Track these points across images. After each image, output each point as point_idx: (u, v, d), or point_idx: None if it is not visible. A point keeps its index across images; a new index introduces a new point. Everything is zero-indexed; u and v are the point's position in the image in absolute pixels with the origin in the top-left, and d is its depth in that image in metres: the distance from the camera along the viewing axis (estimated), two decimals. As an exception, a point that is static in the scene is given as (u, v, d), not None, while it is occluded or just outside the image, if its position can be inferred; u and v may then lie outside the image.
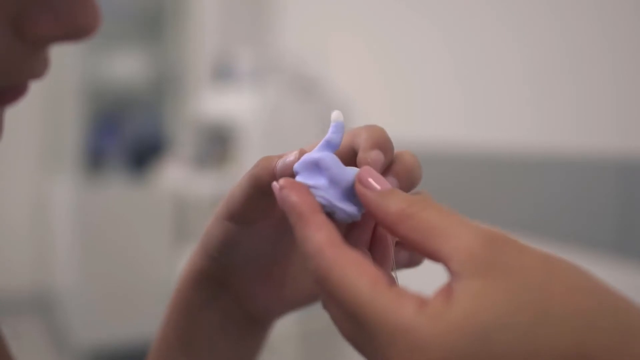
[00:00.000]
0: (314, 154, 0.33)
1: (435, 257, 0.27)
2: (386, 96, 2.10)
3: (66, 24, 0.26)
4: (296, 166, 0.33)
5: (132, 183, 3.21)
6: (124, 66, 3.83)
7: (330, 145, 0.34)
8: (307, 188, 0.32)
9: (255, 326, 0.43)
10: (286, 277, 0.41)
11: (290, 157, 0.34)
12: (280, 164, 0.34)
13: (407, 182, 0.35)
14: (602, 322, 0.24)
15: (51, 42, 0.27)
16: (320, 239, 0.28)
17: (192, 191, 2.76)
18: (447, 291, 0.26)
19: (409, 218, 0.28)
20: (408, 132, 1.91)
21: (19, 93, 0.28)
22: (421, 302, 0.26)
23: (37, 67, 0.28)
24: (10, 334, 0.40)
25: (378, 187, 0.31)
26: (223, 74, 2.82)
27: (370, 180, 0.31)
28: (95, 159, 3.47)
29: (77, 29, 0.26)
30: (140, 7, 3.84)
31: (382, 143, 0.34)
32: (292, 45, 2.71)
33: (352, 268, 0.27)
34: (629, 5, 1.26)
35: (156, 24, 3.81)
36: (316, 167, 0.33)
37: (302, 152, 0.34)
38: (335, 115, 0.35)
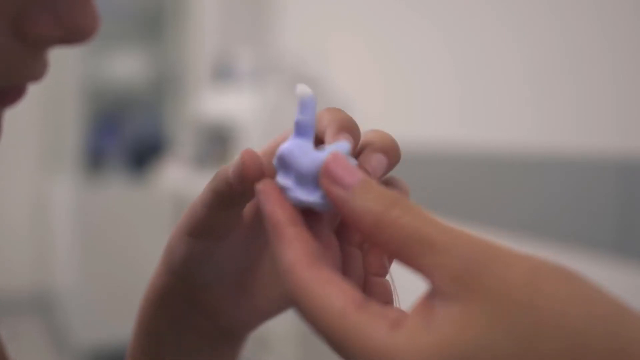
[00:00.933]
0: (282, 146, 0.30)
1: (416, 270, 0.26)
2: (386, 96, 2.10)
3: (66, 26, 0.26)
4: (275, 163, 0.30)
5: (132, 183, 3.21)
6: (124, 66, 3.83)
7: (301, 129, 0.30)
8: (280, 192, 0.29)
9: (231, 341, 0.40)
10: (258, 286, 0.38)
11: (236, 163, 0.31)
12: (231, 171, 0.31)
13: (389, 168, 0.32)
14: (593, 335, 0.23)
15: (51, 44, 0.27)
16: (290, 258, 0.26)
17: (191, 191, 2.76)
18: (427, 308, 0.25)
19: (387, 226, 0.26)
20: (408, 132, 1.91)
21: (18, 95, 0.28)
22: (396, 321, 0.25)
23: (36, 69, 0.28)
24: (10, 334, 0.40)
25: (347, 180, 0.27)
26: (223, 74, 2.82)
27: (338, 171, 0.27)
28: (95, 159, 3.47)
29: (77, 31, 0.27)
30: (140, 7, 3.84)
31: (347, 127, 0.31)
32: (292, 45, 2.71)
33: (321, 289, 0.25)
34: (629, 5, 1.26)
35: (156, 24, 3.81)
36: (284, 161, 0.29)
37: (246, 153, 0.30)
38: (300, 90, 0.30)
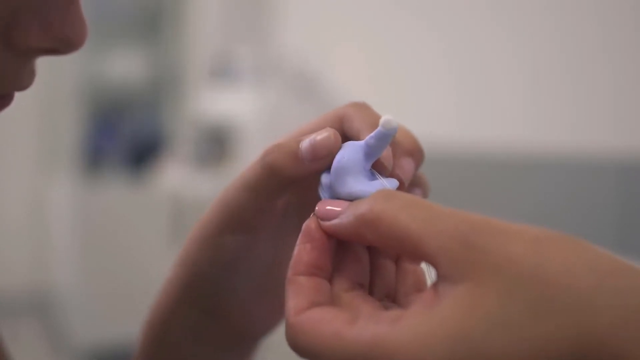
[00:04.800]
0: (344, 156, 0.30)
1: (417, 259, 0.26)
2: (387, 95, 2.10)
3: (55, 37, 0.27)
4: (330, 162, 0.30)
5: (130, 183, 3.21)
6: (123, 65, 3.82)
7: (369, 153, 0.30)
8: (315, 241, 0.29)
9: (250, 344, 0.40)
10: (278, 286, 0.36)
11: (322, 137, 0.30)
12: (306, 145, 0.30)
13: (416, 170, 0.32)
14: (604, 305, 0.22)
15: (39, 53, 0.27)
16: (289, 305, 0.27)
17: (191, 191, 2.76)
18: (431, 296, 0.25)
19: (378, 222, 0.26)
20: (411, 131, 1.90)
21: (4, 103, 0.29)
22: (396, 317, 0.24)
23: (23, 78, 0.28)
24: (8, 336, 0.40)
25: (337, 209, 0.28)
26: (222, 73, 2.81)
27: (328, 208, 0.29)
28: (94, 158, 3.47)
29: (66, 41, 0.27)
30: (139, 6, 3.84)
31: (416, 149, 0.32)
32: (292, 44, 2.71)
33: (312, 326, 0.26)
34: (628, 5, 1.25)
35: (155, 22, 3.81)
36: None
37: (334, 135, 0.30)
38: (386, 121, 0.29)
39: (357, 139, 0.31)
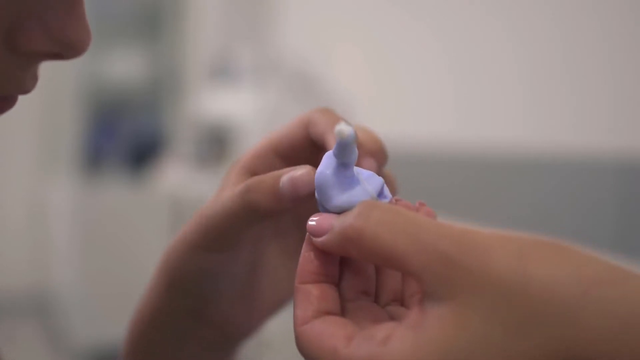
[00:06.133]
0: (323, 173, 0.30)
1: (405, 273, 0.27)
2: (387, 95, 2.10)
3: (58, 41, 0.27)
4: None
5: (130, 183, 3.21)
6: (122, 65, 3.82)
7: (343, 166, 0.29)
8: (317, 249, 0.29)
9: (233, 345, 0.40)
10: (262, 287, 0.39)
11: (300, 174, 0.30)
12: (287, 186, 0.30)
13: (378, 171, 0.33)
14: (589, 316, 0.22)
15: (43, 58, 0.28)
16: (297, 314, 0.28)
17: (190, 191, 2.76)
18: (419, 314, 0.25)
19: (359, 239, 0.26)
20: (410, 131, 1.90)
21: (7, 105, 0.29)
22: (386, 336, 0.25)
23: (26, 82, 0.28)
24: (8, 337, 0.40)
25: (326, 226, 0.28)
26: (222, 73, 2.81)
27: (317, 227, 0.29)
28: (94, 159, 3.47)
29: (69, 46, 0.27)
30: (139, 5, 3.84)
31: (378, 150, 0.32)
32: (292, 43, 2.71)
33: (315, 338, 0.27)
34: (627, 5, 1.25)
35: (155, 22, 3.81)
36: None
37: (312, 171, 0.30)
38: (339, 130, 0.28)
39: (321, 142, 0.33)
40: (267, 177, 0.31)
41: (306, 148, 0.34)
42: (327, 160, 0.30)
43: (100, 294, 2.88)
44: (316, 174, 0.30)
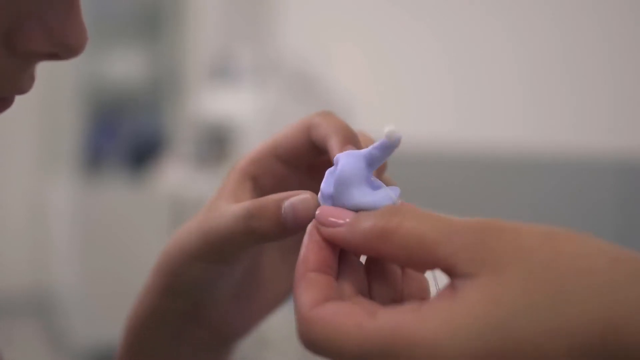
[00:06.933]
0: (346, 164, 0.30)
1: (430, 266, 0.26)
2: (387, 95, 2.10)
3: (56, 42, 0.27)
4: (330, 170, 0.30)
5: (130, 183, 3.21)
6: (122, 65, 3.82)
7: (372, 162, 0.30)
8: (321, 241, 0.29)
9: (229, 345, 0.40)
10: (259, 289, 0.39)
11: (301, 200, 0.30)
12: (290, 216, 0.30)
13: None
14: (622, 287, 0.23)
15: (40, 58, 0.28)
16: (303, 300, 0.27)
17: (190, 191, 2.76)
18: (449, 292, 0.25)
19: (392, 234, 0.26)
20: (410, 131, 1.90)
21: (4, 105, 0.29)
22: (417, 305, 0.25)
23: (23, 82, 0.29)
24: (8, 336, 0.40)
25: (342, 221, 0.28)
26: (222, 73, 2.81)
27: (332, 219, 0.28)
28: (94, 159, 3.47)
29: (66, 47, 0.28)
30: (139, 5, 3.84)
31: (352, 138, 0.32)
32: (292, 43, 2.71)
33: (330, 320, 0.25)
34: (627, 5, 1.25)
35: (155, 22, 3.81)
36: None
37: (313, 197, 0.30)
38: (390, 131, 0.28)
39: (323, 145, 0.32)
40: (270, 203, 0.31)
41: (307, 152, 0.34)
42: (353, 158, 0.30)
43: (100, 294, 2.88)
44: (340, 168, 0.29)
